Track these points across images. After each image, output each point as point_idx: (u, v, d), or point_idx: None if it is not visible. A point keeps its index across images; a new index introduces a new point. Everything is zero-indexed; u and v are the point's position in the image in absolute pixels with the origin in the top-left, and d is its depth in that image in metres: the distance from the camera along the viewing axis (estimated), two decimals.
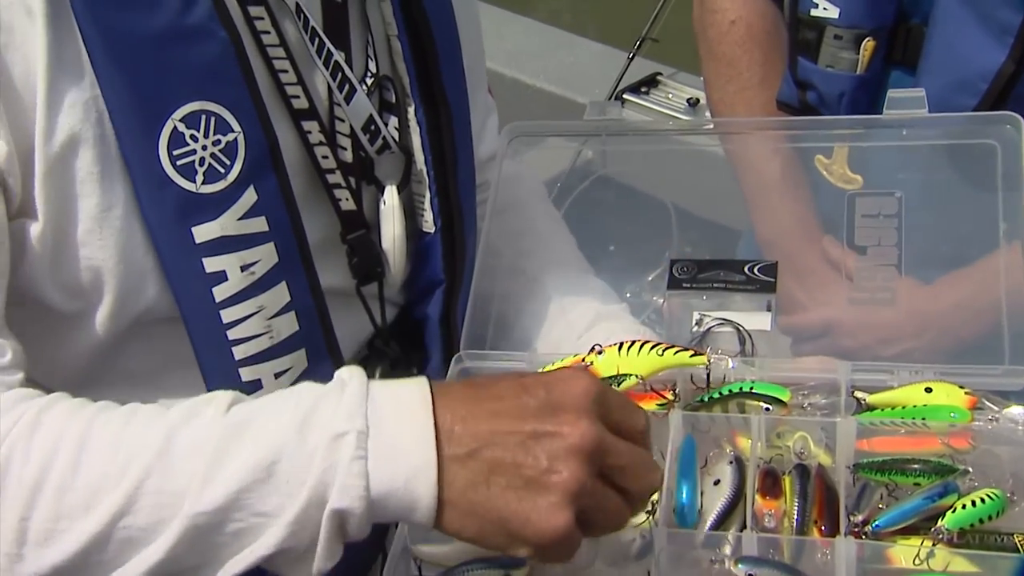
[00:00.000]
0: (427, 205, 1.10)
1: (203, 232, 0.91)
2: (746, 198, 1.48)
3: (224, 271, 0.93)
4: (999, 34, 1.28)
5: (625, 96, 2.70)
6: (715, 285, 1.19)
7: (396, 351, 1.11)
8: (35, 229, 0.87)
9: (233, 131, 0.92)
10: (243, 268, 0.93)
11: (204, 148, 0.91)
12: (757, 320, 1.17)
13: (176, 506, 0.77)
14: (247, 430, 0.79)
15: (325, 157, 1.02)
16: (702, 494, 0.97)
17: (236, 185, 0.92)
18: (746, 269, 1.20)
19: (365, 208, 1.06)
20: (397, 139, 1.07)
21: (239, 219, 0.93)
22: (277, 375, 0.97)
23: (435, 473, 0.78)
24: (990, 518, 0.92)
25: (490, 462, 0.79)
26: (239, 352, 0.95)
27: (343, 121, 1.03)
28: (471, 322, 1.15)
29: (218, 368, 0.95)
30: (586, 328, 1.19)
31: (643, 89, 2.74)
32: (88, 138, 0.87)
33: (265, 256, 0.95)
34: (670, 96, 2.71)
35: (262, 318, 0.95)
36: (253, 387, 0.96)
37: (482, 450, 0.79)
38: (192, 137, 0.90)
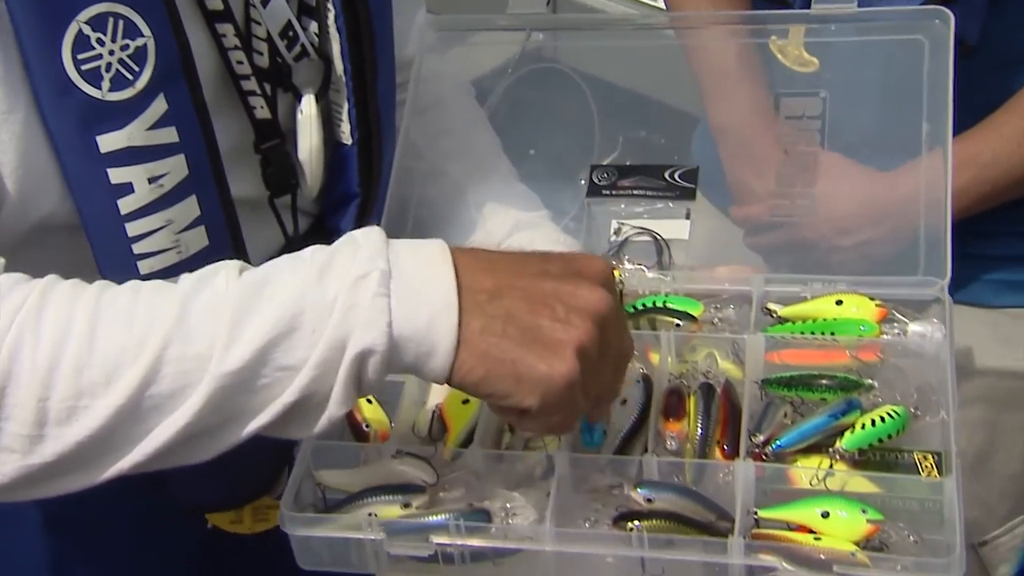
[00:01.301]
0: (345, 116, 1.07)
1: (108, 141, 0.88)
2: (700, 85, 1.44)
3: (130, 183, 0.90)
4: None
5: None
6: (635, 192, 1.18)
7: None
8: None
9: (143, 35, 0.88)
10: (151, 180, 0.90)
11: (111, 53, 0.87)
12: (676, 228, 1.15)
13: (201, 370, 0.77)
14: (264, 289, 0.79)
15: (240, 62, 0.98)
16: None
17: (145, 93, 0.89)
18: (667, 175, 1.18)
19: (281, 117, 1.04)
20: (316, 45, 1.04)
21: (147, 129, 0.90)
22: None
23: (456, 314, 0.78)
24: (889, 437, 0.93)
25: (508, 309, 0.80)
26: (144, 267, 0.93)
27: (260, 24, 0.99)
28: (387, 227, 1.13)
29: (122, 282, 0.93)
30: (505, 236, 1.17)
31: None
32: None
33: (175, 168, 0.92)
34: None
35: (170, 232, 0.93)
36: None
37: (502, 298, 0.80)
38: (99, 41, 0.87)
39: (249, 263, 0.99)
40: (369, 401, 1.02)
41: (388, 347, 0.78)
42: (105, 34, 0.87)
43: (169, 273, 0.94)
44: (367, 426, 1.01)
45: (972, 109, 1.34)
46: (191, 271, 0.95)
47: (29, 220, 0.89)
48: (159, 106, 0.90)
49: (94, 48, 0.86)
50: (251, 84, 0.99)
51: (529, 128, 1.29)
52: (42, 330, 0.77)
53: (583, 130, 1.28)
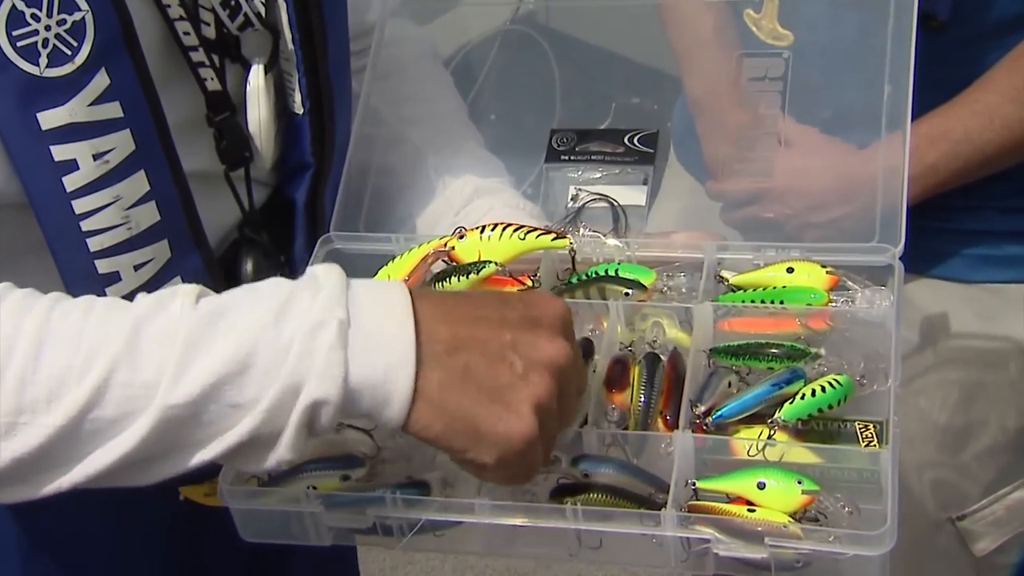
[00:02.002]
0: (296, 85, 1.07)
1: (49, 118, 0.88)
2: (676, 55, 1.43)
3: (75, 160, 0.90)
4: None
5: None
6: (593, 157, 1.17)
7: (266, 240, 1.09)
8: None
9: (80, 9, 0.88)
10: (96, 157, 0.90)
11: (48, 28, 0.87)
12: (633, 195, 1.15)
13: (147, 397, 0.76)
14: (219, 322, 0.78)
15: (187, 33, 0.98)
16: None
17: (85, 68, 0.89)
18: (626, 140, 1.17)
19: (231, 89, 1.03)
20: (264, 15, 1.03)
21: (89, 105, 0.89)
22: (137, 267, 0.96)
23: (414, 368, 0.78)
24: (830, 407, 0.92)
25: (466, 363, 0.80)
26: (94, 244, 0.93)
27: None
28: (344, 195, 1.13)
29: (72, 260, 0.93)
30: (464, 203, 1.17)
31: None
32: None
33: (120, 144, 0.91)
34: None
35: (119, 208, 0.93)
36: (110, 279, 0.94)
37: (460, 351, 0.80)
38: (33, 16, 0.86)
39: (204, 238, 1.00)
40: None
41: (342, 398, 0.77)
42: (40, 9, 0.86)
43: (121, 249, 0.94)
44: None
45: (944, 85, 1.34)
46: (143, 247, 0.95)
47: None
48: (101, 81, 0.89)
49: (29, 24, 0.86)
50: (199, 55, 0.99)
51: (495, 93, 1.29)
52: None
53: (547, 95, 1.27)
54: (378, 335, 0.78)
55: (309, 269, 0.83)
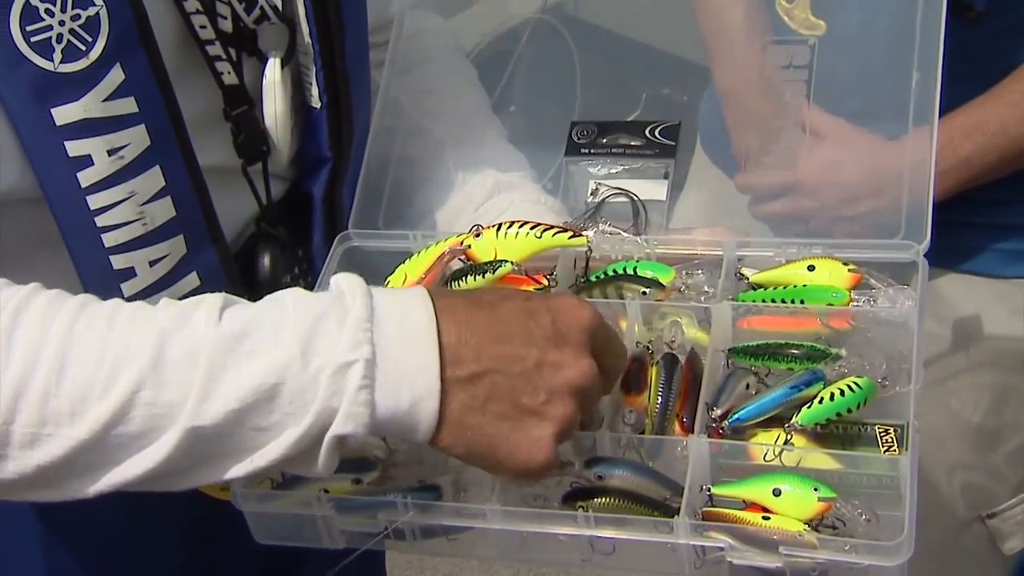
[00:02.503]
0: (313, 79, 1.06)
1: (64, 114, 0.88)
2: (706, 46, 1.41)
3: (89, 155, 0.89)
4: None
5: None
6: (613, 151, 1.15)
7: (283, 235, 1.09)
8: None
9: (94, 4, 0.87)
10: (110, 152, 0.90)
11: (62, 24, 0.86)
12: (654, 189, 1.13)
13: (172, 416, 0.77)
14: (243, 346, 0.78)
15: (203, 27, 0.97)
16: None
17: (99, 64, 0.88)
18: (647, 132, 1.15)
19: (249, 83, 1.03)
20: (280, 8, 1.02)
21: (104, 100, 0.89)
22: (152, 263, 0.95)
23: (438, 399, 0.79)
24: (849, 411, 0.91)
25: (490, 388, 0.80)
26: (109, 240, 0.92)
27: None
28: (364, 189, 1.12)
29: (87, 256, 0.93)
30: (484, 199, 1.16)
31: None
32: None
33: (135, 139, 0.91)
34: None
35: (133, 204, 0.92)
36: (125, 275, 0.94)
37: (485, 375, 0.80)
38: (47, 12, 0.86)
39: (221, 233, 1.00)
40: None
41: (369, 430, 0.79)
42: (54, 5, 0.86)
43: (136, 245, 0.94)
44: None
45: (979, 77, 1.31)
46: (159, 243, 0.95)
47: None
48: (115, 76, 0.89)
49: (43, 19, 0.86)
50: (216, 49, 0.98)
51: (517, 84, 1.27)
52: (13, 352, 0.77)
53: (568, 87, 1.25)
54: (404, 369, 0.79)
55: (333, 281, 0.83)
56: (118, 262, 0.94)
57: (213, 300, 0.80)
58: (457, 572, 2.49)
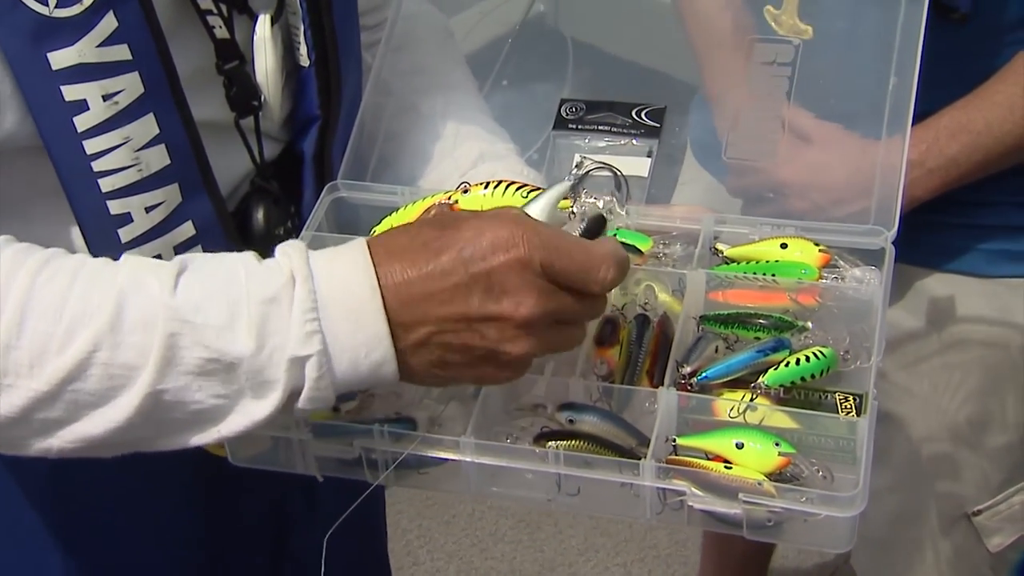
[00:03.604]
0: (302, 38, 1.09)
1: (59, 58, 0.90)
2: (695, 52, 1.45)
3: (85, 100, 0.92)
4: None
5: None
6: (600, 127, 1.19)
7: (276, 189, 1.11)
8: None
9: None
10: (105, 97, 0.92)
11: None
12: (637, 165, 1.17)
13: (130, 378, 0.81)
14: (197, 318, 0.82)
15: None
16: None
17: (93, 10, 0.90)
18: (634, 113, 1.19)
19: (240, 40, 1.05)
20: None
21: (98, 46, 0.91)
22: (148, 209, 0.97)
23: (395, 363, 0.84)
24: (813, 376, 0.94)
25: (443, 346, 0.84)
26: (106, 184, 0.95)
27: None
28: (352, 157, 1.15)
29: (85, 200, 0.95)
30: (470, 166, 1.18)
31: None
32: None
33: (129, 86, 0.93)
34: None
35: (129, 150, 0.95)
36: (123, 220, 0.96)
37: (432, 337, 0.84)
38: None
39: (215, 184, 1.02)
40: None
41: (336, 401, 0.85)
42: None
43: (131, 191, 0.96)
44: None
45: (964, 79, 1.35)
46: (154, 190, 0.97)
47: None
48: (109, 23, 0.91)
49: None
50: (207, 3, 1.00)
51: (509, 64, 1.31)
52: None
53: (559, 67, 1.29)
54: (357, 345, 0.83)
55: (279, 253, 0.86)
56: (115, 207, 0.96)
57: (170, 266, 0.84)
58: (458, 550, 2.54)
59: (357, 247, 0.86)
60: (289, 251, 0.86)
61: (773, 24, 1.25)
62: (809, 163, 1.27)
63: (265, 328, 0.82)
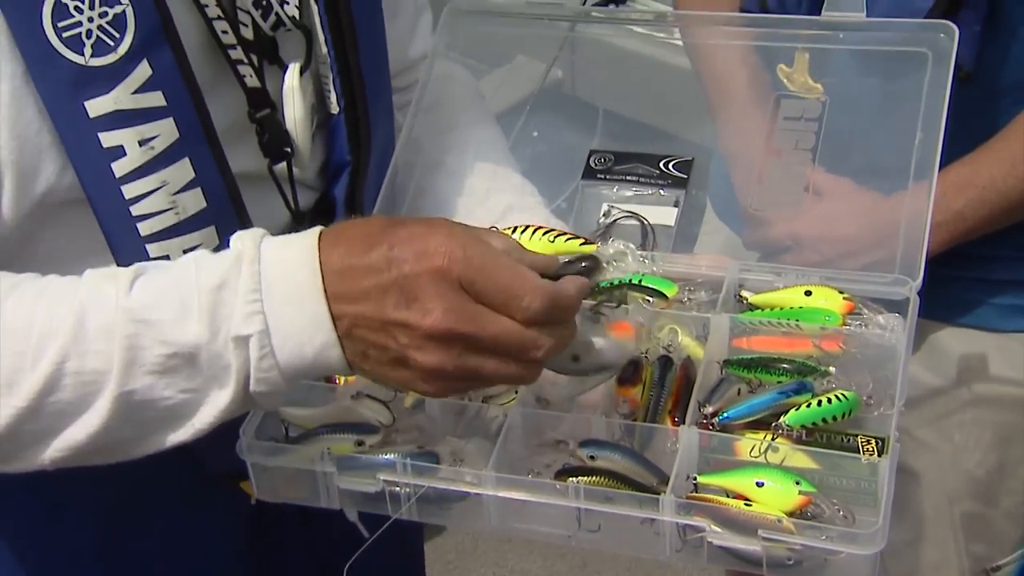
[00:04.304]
0: (332, 86, 1.11)
1: (96, 106, 0.93)
2: (711, 109, 1.47)
3: (121, 146, 0.94)
4: None
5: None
6: (628, 178, 1.21)
7: None
8: None
9: (120, 3, 0.93)
10: (141, 143, 0.95)
11: (91, 20, 0.92)
12: (663, 215, 1.18)
13: (100, 383, 0.84)
14: (152, 315, 0.85)
15: (225, 32, 1.02)
16: None
17: (127, 58, 0.93)
18: (661, 164, 1.21)
19: (271, 91, 1.07)
20: (298, 17, 1.07)
21: (133, 93, 0.94)
22: (187, 252, 0.98)
23: (340, 347, 0.85)
24: (835, 419, 0.95)
25: (363, 340, 0.86)
26: (144, 228, 0.97)
27: None
28: (383, 207, 1.17)
29: (126, 245, 0.98)
30: (498, 218, 1.20)
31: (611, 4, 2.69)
32: None
33: (164, 131, 0.96)
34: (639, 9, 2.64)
35: (166, 193, 0.97)
36: None
37: (353, 330, 0.85)
38: (76, 8, 0.91)
39: (251, 226, 1.04)
40: None
41: (286, 386, 0.86)
42: (83, 2, 0.91)
43: (170, 234, 0.98)
44: None
45: (968, 135, 1.36)
46: (191, 232, 1.00)
47: (31, 196, 0.94)
48: (143, 71, 0.94)
49: (73, 16, 0.91)
50: (238, 53, 1.03)
51: (538, 117, 1.34)
52: None
53: (589, 120, 1.31)
54: (299, 328, 0.85)
55: (232, 239, 0.89)
56: (154, 251, 0.98)
57: (127, 271, 0.87)
58: None
59: (311, 232, 0.88)
60: (243, 235, 0.88)
61: (785, 81, 1.27)
62: (821, 216, 1.28)
63: (217, 314, 0.84)
